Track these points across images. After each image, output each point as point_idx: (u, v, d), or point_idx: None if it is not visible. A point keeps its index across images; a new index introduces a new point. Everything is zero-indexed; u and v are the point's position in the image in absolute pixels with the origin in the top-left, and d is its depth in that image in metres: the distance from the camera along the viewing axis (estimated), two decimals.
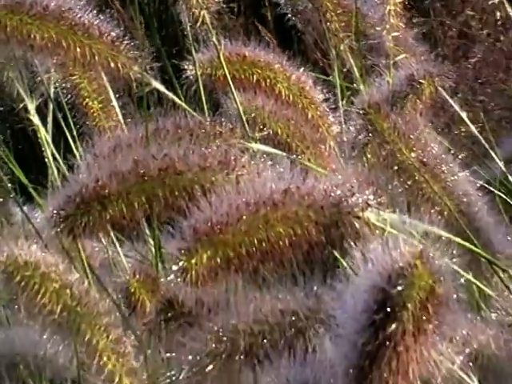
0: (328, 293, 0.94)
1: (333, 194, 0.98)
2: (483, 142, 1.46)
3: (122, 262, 1.36)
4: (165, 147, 1.08)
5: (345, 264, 0.87)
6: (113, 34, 1.36)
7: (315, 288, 1.00)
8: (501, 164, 1.42)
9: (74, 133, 1.45)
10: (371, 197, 1.00)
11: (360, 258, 0.83)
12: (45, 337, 1.24)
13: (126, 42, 1.35)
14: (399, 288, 0.78)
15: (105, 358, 1.13)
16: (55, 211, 1.07)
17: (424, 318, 0.80)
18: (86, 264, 1.21)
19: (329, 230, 0.97)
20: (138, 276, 1.19)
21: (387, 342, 0.79)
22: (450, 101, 1.40)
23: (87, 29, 1.34)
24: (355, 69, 1.55)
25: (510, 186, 1.42)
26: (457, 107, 1.45)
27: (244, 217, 0.95)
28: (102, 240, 1.29)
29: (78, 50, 1.34)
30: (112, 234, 1.24)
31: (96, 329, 1.12)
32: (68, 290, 1.13)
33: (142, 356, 1.15)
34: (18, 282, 1.12)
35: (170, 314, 1.15)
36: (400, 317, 0.78)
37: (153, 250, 1.31)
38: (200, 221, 0.95)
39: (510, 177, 1.40)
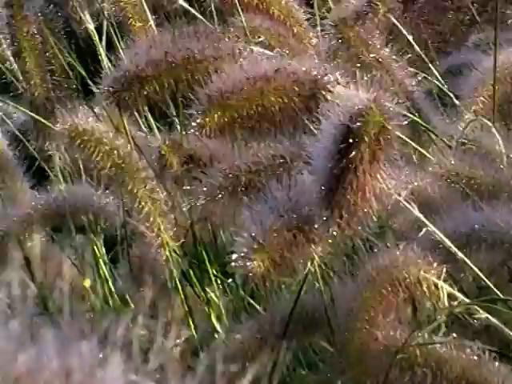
0: (307, 140, 0.94)
1: (312, 73, 1.01)
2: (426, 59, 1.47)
3: (155, 132, 1.36)
4: (187, 44, 1.10)
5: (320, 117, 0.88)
6: None
7: (297, 138, 0.99)
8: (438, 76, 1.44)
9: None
10: (339, 77, 1.02)
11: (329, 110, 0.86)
12: (99, 190, 1.27)
13: None
14: (358, 124, 0.81)
15: (143, 203, 1.17)
16: (106, 88, 1.10)
17: (377, 147, 0.83)
18: (128, 132, 1.21)
19: (307, 100, 1.00)
20: (167, 142, 1.21)
21: (349, 165, 0.83)
22: (398, 24, 1.43)
23: None
24: None
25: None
26: (404, 31, 1.47)
27: (245, 88, 0.99)
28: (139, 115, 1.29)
29: None
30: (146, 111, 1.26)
31: (136, 181, 1.16)
32: (115, 152, 1.16)
33: (170, 201, 1.18)
34: (78, 145, 1.14)
35: (190, 166, 1.15)
36: (359, 146, 0.82)
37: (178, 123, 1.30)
38: (213, 90, 0.98)
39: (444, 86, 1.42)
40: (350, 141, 0.83)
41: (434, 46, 1.75)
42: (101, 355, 0.37)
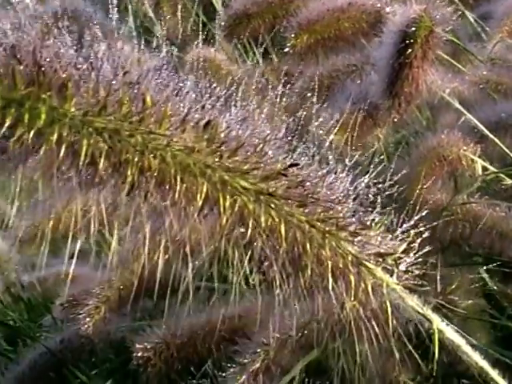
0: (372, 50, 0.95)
1: (376, 5, 1.01)
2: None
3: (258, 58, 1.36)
4: None
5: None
6: None
7: (365, 52, 0.99)
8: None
9: None
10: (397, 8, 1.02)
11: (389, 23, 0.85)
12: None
13: None
14: (413, 29, 0.81)
15: None
16: (222, 24, 1.11)
17: (427, 47, 0.83)
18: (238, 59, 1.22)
19: (373, 24, 1.00)
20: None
21: (406, 61, 0.83)
22: None
23: None
24: None
25: None
26: None
27: (326, 17, 1.00)
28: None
29: None
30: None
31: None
32: (230, 74, 1.16)
33: None
34: (203, 69, 1.15)
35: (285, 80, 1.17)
36: (413, 45, 0.82)
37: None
38: (302, 19, 0.99)
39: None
40: (406, 42, 0.83)
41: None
42: None
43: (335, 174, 0.38)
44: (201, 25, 1.48)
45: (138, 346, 0.97)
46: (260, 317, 0.96)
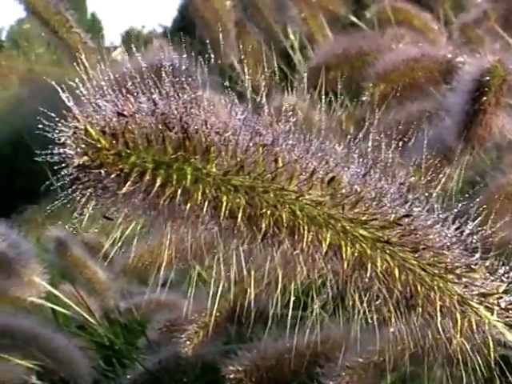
0: (445, 97, 0.96)
1: (447, 56, 1.03)
2: None
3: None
4: (358, 43, 1.13)
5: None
6: None
7: (437, 99, 1.00)
8: None
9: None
10: (467, 58, 1.03)
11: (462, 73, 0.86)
12: None
13: None
14: (487, 78, 0.82)
15: None
16: (305, 75, 1.13)
17: (500, 94, 0.83)
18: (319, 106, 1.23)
19: (445, 74, 1.02)
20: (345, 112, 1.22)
21: (480, 108, 0.83)
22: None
23: None
24: None
25: None
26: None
27: (401, 67, 1.01)
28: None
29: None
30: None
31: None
32: (311, 119, 1.17)
33: None
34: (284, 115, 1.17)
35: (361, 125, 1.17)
36: (487, 93, 0.83)
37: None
38: (379, 69, 1.01)
39: None
40: (481, 90, 0.84)
41: None
42: None
43: (443, 221, 0.40)
44: (279, 75, 1.52)
45: (230, 367, 0.99)
46: (342, 343, 0.98)
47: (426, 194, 0.40)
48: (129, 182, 0.36)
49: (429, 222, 0.39)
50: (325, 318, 1.20)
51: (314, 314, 1.23)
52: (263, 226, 0.37)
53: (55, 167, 0.40)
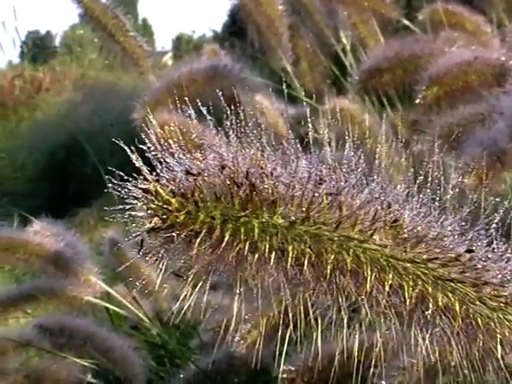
0: (498, 100, 0.95)
1: (500, 59, 1.02)
2: None
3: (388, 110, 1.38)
4: (410, 46, 1.13)
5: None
6: None
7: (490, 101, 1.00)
8: None
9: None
10: None
11: None
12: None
13: None
14: None
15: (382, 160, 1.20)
16: (356, 78, 1.14)
17: None
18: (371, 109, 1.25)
19: (497, 77, 1.02)
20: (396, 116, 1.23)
21: None
22: None
23: None
24: None
25: None
26: None
27: (454, 70, 1.01)
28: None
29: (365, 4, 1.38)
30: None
31: (375, 141, 1.19)
32: (363, 123, 1.19)
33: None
34: (339, 117, 1.18)
35: (414, 129, 1.17)
36: None
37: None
38: (432, 73, 1.01)
39: None
40: None
41: None
42: None
43: (502, 254, 0.40)
44: (331, 79, 1.53)
45: (283, 368, 1.01)
46: (394, 345, 0.98)
47: (486, 227, 0.40)
48: (198, 239, 0.36)
49: (489, 257, 0.40)
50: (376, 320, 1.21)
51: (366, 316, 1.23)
52: (328, 271, 0.38)
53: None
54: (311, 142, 0.40)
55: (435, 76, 1.05)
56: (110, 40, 1.45)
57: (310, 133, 0.41)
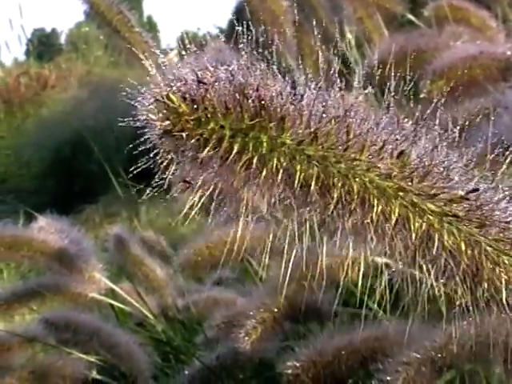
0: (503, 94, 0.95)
1: (506, 53, 1.02)
2: None
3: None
4: (415, 40, 1.13)
5: None
6: None
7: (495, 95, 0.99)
8: None
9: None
10: None
11: None
12: None
13: None
14: None
15: None
16: (363, 72, 1.13)
17: None
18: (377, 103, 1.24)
19: (503, 71, 1.01)
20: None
21: None
22: None
23: None
24: None
25: None
26: None
27: (459, 64, 1.01)
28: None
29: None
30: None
31: None
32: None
33: None
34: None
35: None
36: None
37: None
38: (437, 67, 1.01)
39: None
40: None
41: None
42: None
43: (509, 198, 0.40)
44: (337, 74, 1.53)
45: (288, 363, 1.00)
46: (399, 339, 0.98)
47: (492, 172, 0.41)
48: (207, 148, 0.37)
49: (495, 198, 0.40)
50: (381, 314, 1.20)
51: (370, 311, 1.23)
52: (335, 195, 0.38)
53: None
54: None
55: (440, 70, 1.04)
56: (116, 36, 1.45)
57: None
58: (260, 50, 0.39)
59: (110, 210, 3.90)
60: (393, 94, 0.46)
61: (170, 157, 0.38)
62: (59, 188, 5.29)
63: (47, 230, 1.41)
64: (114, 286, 1.47)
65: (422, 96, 1.06)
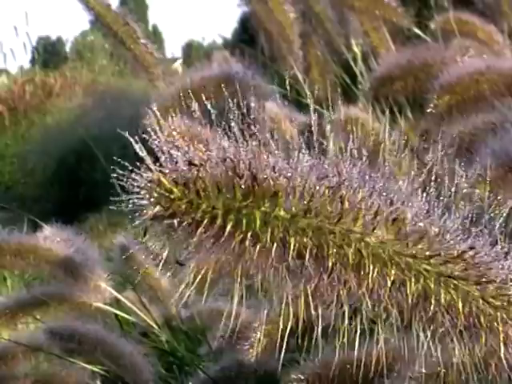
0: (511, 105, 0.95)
1: None
2: None
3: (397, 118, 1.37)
4: (422, 54, 1.13)
5: None
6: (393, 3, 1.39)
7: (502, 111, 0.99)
8: None
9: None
10: None
11: None
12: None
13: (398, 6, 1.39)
14: None
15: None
16: (368, 86, 1.14)
17: None
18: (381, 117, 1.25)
19: (509, 87, 1.01)
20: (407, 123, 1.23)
21: None
22: None
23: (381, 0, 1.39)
24: None
25: None
26: None
27: (466, 79, 1.01)
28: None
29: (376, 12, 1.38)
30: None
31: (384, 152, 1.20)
32: (373, 131, 1.18)
33: None
34: (348, 127, 1.17)
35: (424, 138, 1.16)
36: None
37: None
38: (443, 82, 1.01)
39: None
40: None
41: None
42: None
43: (505, 255, 0.40)
44: (342, 87, 1.53)
45: (292, 376, 1.00)
46: (405, 354, 0.98)
47: (490, 227, 0.41)
48: (199, 229, 0.37)
49: (492, 256, 0.40)
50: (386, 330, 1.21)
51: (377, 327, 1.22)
52: (330, 264, 0.38)
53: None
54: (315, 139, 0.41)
55: (446, 85, 1.04)
56: (121, 47, 1.45)
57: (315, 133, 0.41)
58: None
59: (114, 218, 3.90)
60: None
61: (162, 240, 0.38)
62: (63, 196, 5.30)
63: (52, 238, 1.41)
64: (118, 296, 1.47)
65: (428, 111, 1.06)
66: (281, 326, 1.02)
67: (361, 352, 1.00)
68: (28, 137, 6.46)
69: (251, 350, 1.04)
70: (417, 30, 1.50)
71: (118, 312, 1.52)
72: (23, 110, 7.07)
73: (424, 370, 0.88)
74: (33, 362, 1.40)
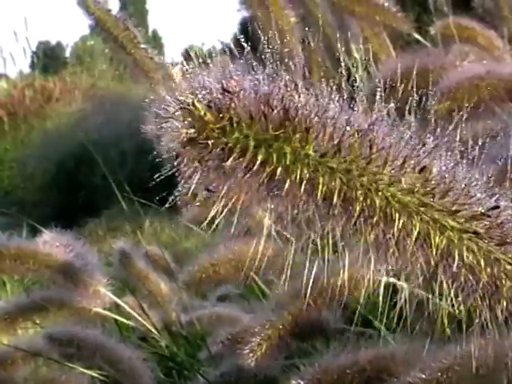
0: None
1: None
2: None
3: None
4: (422, 59, 1.13)
5: None
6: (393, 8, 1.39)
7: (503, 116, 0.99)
8: None
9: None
10: None
11: None
12: None
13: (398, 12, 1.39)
14: None
15: None
16: (368, 91, 1.13)
17: None
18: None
19: (509, 92, 1.02)
20: None
21: None
22: None
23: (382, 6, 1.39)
24: None
25: None
26: None
27: (466, 84, 1.01)
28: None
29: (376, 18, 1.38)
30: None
31: None
32: None
33: None
34: None
35: None
36: None
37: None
38: (443, 87, 1.01)
39: None
40: None
41: None
42: None
43: None
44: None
45: (292, 381, 1.00)
46: (405, 358, 0.98)
47: None
48: (232, 157, 0.37)
49: None
50: (386, 334, 1.20)
51: (377, 330, 1.22)
52: (357, 208, 0.39)
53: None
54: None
55: (446, 90, 1.04)
56: (122, 52, 1.45)
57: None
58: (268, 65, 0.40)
59: (113, 223, 3.91)
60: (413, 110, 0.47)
61: (193, 166, 0.38)
62: (63, 201, 5.30)
63: (52, 243, 1.41)
64: (118, 300, 1.47)
65: (428, 116, 1.06)
66: (280, 328, 1.03)
67: (361, 357, 1.00)
68: (27, 141, 6.47)
69: (251, 355, 1.04)
70: (417, 36, 1.50)
71: (117, 317, 1.52)
72: (23, 115, 7.07)
73: (423, 376, 0.88)
74: (32, 367, 1.40)
